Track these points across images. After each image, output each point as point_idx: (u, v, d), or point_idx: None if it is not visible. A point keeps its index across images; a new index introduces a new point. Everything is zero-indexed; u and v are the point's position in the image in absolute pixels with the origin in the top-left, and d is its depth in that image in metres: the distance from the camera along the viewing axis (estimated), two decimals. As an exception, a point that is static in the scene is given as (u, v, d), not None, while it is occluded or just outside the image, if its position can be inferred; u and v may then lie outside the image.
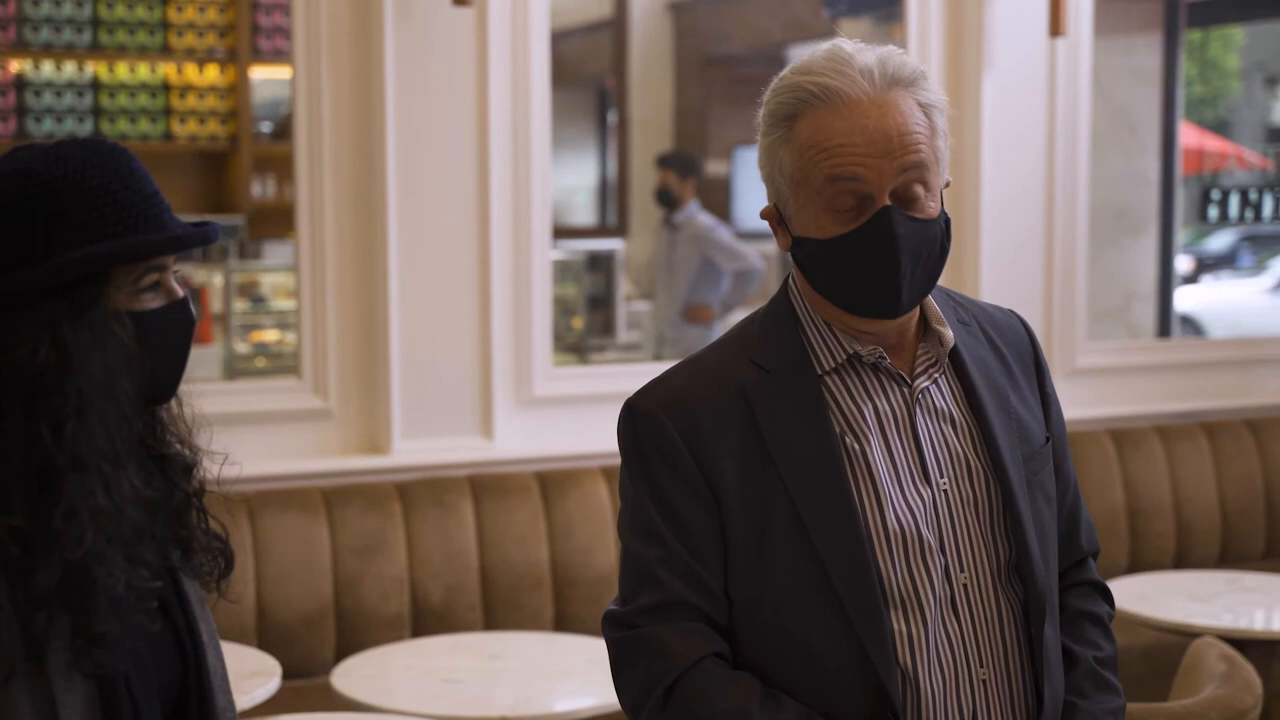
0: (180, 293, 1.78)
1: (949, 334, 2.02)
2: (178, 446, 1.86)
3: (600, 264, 8.49)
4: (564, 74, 10.89)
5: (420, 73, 4.87)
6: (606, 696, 3.73)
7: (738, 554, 1.95)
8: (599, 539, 4.87)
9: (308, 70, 4.82)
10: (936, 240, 1.93)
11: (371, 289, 4.89)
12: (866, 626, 1.90)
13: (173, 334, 1.77)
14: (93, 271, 1.69)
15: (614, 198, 10.28)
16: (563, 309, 8.29)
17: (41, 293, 1.67)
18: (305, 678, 4.37)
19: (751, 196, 9.65)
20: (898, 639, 1.92)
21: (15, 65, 8.31)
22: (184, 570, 1.85)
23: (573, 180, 10.56)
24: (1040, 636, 1.99)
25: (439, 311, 4.95)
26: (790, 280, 2.05)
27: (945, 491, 1.97)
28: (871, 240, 1.88)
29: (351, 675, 3.87)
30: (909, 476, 1.96)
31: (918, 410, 1.99)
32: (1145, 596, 4.59)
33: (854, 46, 1.93)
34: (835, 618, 1.91)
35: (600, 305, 8.53)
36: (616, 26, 10.17)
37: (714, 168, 10.08)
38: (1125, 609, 4.47)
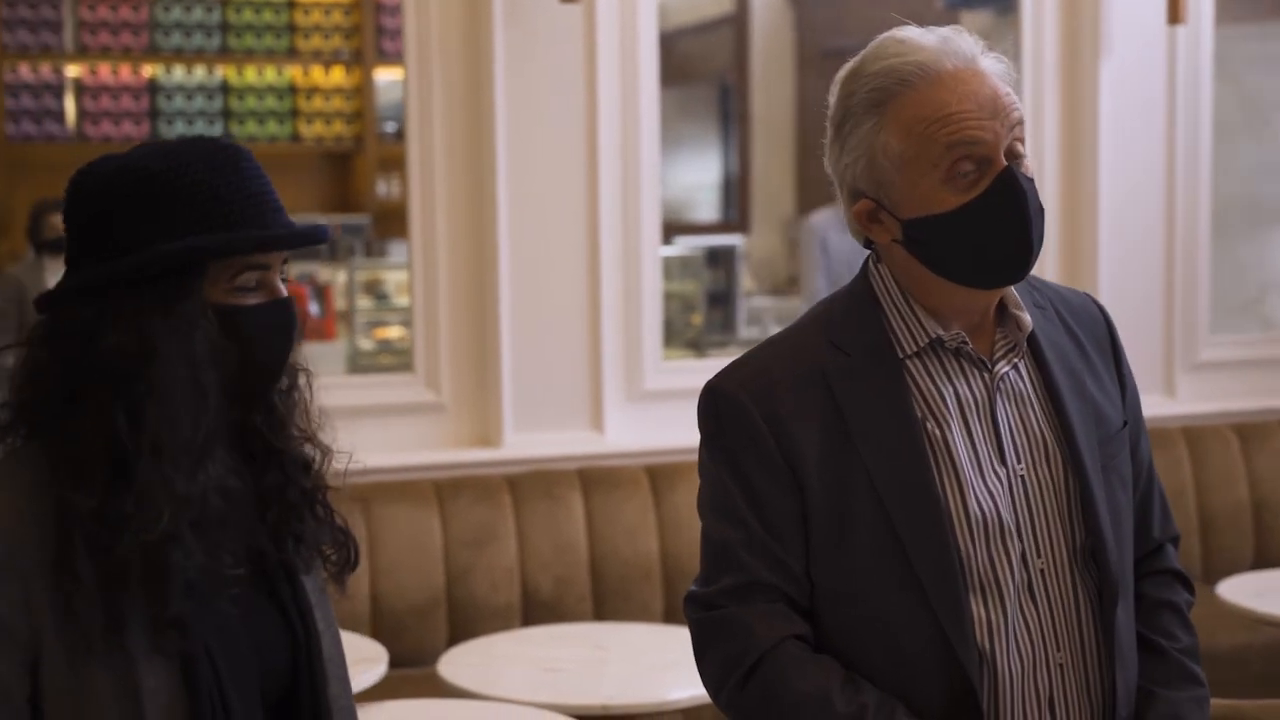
0: (283, 293, 1.80)
1: (1027, 318, 2.02)
2: (299, 443, 1.89)
3: (720, 260, 8.49)
4: (686, 71, 10.93)
5: (530, 71, 4.92)
6: (697, 690, 3.75)
7: (818, 536, 1.95)
8: (709, 532, 4.88)
9: (419, 71, 4.91)
10: (1039, 199, 1.95)
11: (483, 284, 4.96)
12: (946, 610, 1.90)
13: (268, 332, 1.79)
14: (184, 265, 1.72)
15: (737, 194, 10.29)
16: (683, 305, 8.30)
17: (132, 282, 1.72)
18: (416, 666, 4.44)
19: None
20: (977, 623, 1.92)
21: (148, 70, 8.52)
22: (299, 563, 1.88)
23: (696, 177, 10.58)
24: (1113, 622, 1.99)
25: (549, 306, 5.00)
26: (870, 263, 2.05)
27: (1023, 477, 1.97)
28: (1001, 200, 1.89)
29: (457, 663, 3.93)
30: (988, 461, 1.96)
31: (998, 395, 1.99)
32: (1262, 593, 4.52)
33: (917, 30, 1.95)
34: (915, 601, 1.91)
35: (720, 301, 8.53)
36: (737, 22, 10.18)
37: (837, 163, 10.03)
38: (1245, 605, 4.41)
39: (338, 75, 8.77)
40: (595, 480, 4.89)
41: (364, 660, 3.82)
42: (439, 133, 4.91)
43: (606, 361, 5.06)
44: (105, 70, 8.39)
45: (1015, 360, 2.01)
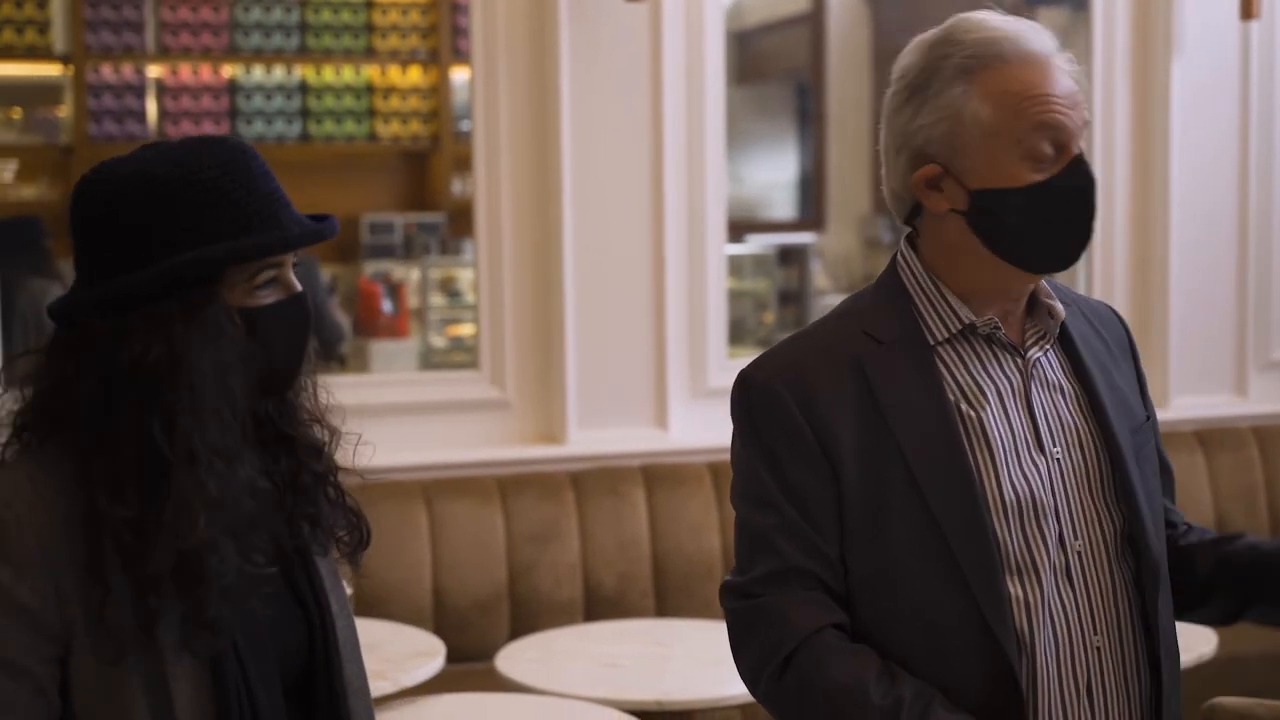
0: (297, 287, 1.81)
1: (1059, 307, 2.04)
2: (309, 427, 1.91)
3: (793, 258, 8.48)
4: (762, 69, 10.93)
5: (595, 70, 4.95)
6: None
7: (855, 522, 1.96)
8: (772, 530, 4.88)
9: (485, 69, 4.95)
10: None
11: (548, 281, 4.99)
12: (984, 592, 1.92)
13: (288, 328, 1.81)
14: (205, 274, 1.73)
15: (812, 192, 10.27)
16: (755, 303, 8.30)
17: (155, 294, 1.72)
18: (478, 661, 4.47)
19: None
20: (1014, 605, 1.93)
21: (228, 70, 8.62)
22: (313, 546, 1.90)
23: (771, 175, 10.57)
24: (1155, 604, 2.00)
25: (614, 304, 5.03)
26: (899, 256, 2.07)
27: (1059, 460, 1.99)
28: (1071, 185, 1.93)
29: (516, 658, 3.96)
30: (1025, 444, 1.98)
31: (1032, 381, 2.01)
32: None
33: (1001, 16, 1.98)
34: (953, 584, 1.92)
35: (793, 299, 8.52)
36: (813, 20, 10.16)
37: (913, 161, 9.98)
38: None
39: (414, 74, 8.83)
40: (659, 477, 4.91)
41: (422, 654, 3.86)
42: (505, 131, 4.95)
43: (671, 358, 5.08)
44: (186, 71, 8.49)
45: (1046, 348, 2.04)
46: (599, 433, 5.00)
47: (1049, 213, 1.93)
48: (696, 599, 4.83)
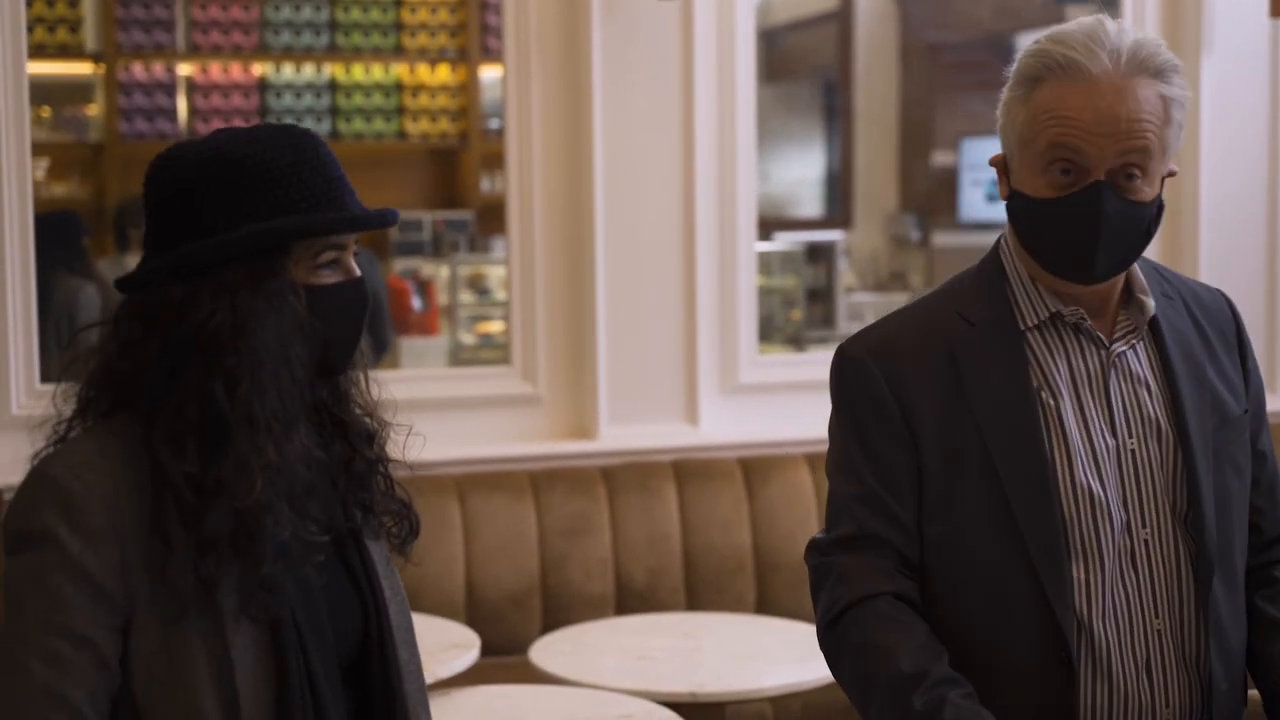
0: (357, 272, 1.88)
1: (1150, 303, 2.11)
2: (361, 415, 1.97)
3: (820, 255, 8.50)
4: (789, 67, 10.94)
5: (627, 68, 4.98)
6: (795, 677, 3.79)
7: (931, 494, 2.06)
8: (802, 525, 4.92)
9: (517, 66, 4.98)
10: (1143, 223, 2.01)
11: (579, 277, 5.02)
12: (1048, 572, 2.00)
13: (346, 309, 1.87)
14: (273, 244, 1.81)
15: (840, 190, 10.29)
16: (783, 300, 8.32)
17: (224, 261, 1.79)
18: (510, 655, 4.50)
19: (977, 189, 9.56)
20: (1076, 587, 2.01)
21: (258, 68, 8.66)
22: (366, 531, 1.96)
23: (799, 173, 10.58)
24: (1207, 592, 2.06)
25: (645, 300, 5.06)
26: (1002, 239, 2.16)
27: (1133, 450, 2.06)
28: (1077, 209, 1.98)
29: (549, 650, 3.99)
30: (1099, 433, 2.06)
31: (1112, 372, 2.08)
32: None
33: (1117, 27, 2.00)
34: (1018, 561, 2.02)
35: (820, 297, 8.53)
36: (841, 18, 10.16)
37: (940, 158, 10.01)
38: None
39: (443, 73, 8.87)
40: (689, 472, 4.94)
41: (456, 646, 3.90)
42: (537, 127, 4.98)
43: (701, 354, 5.10)
44: (216, 69, 8.54)
45: (1134, 342, 2.10)
46: (630, 428, 5.03)
47: (1056, 229, 2.01)
48: (727, 594, 4.85)
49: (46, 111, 8.47)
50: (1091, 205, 1.97)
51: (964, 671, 2.01)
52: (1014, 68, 2.05)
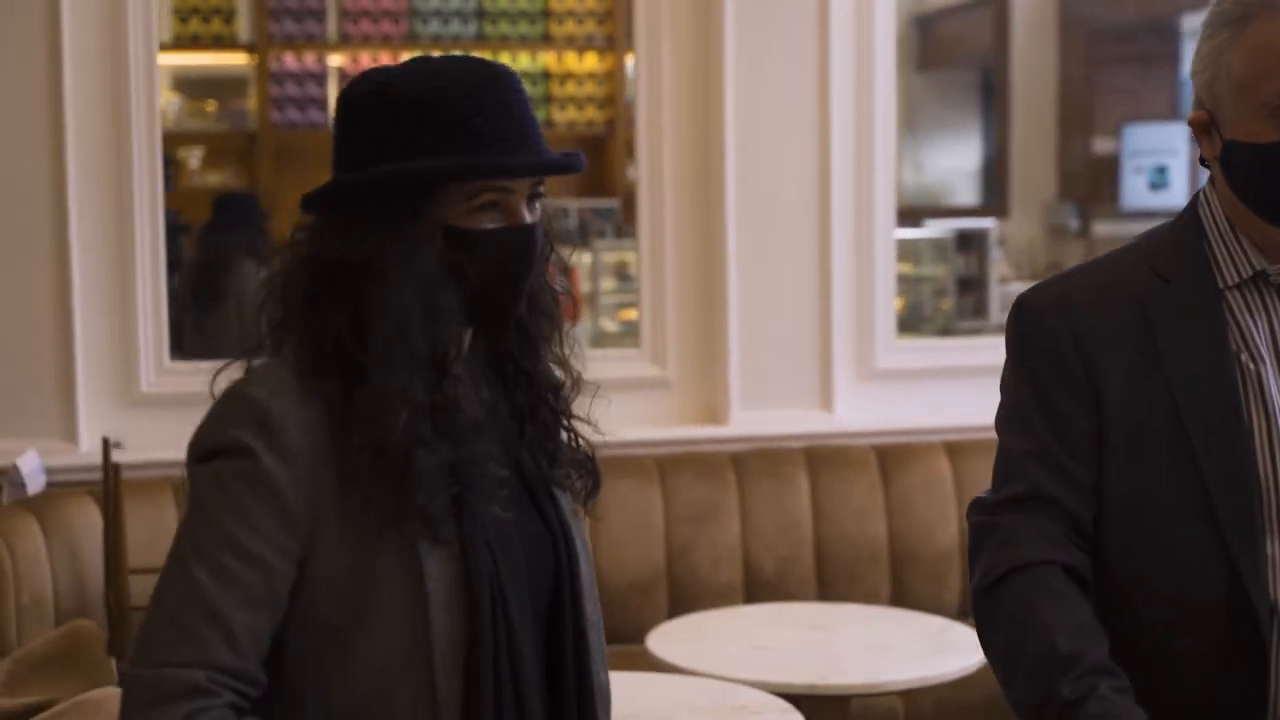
0: (525, 219, 1.79)
1: None
2: (547, 364, 1.92)
3: (972, 244, 8.28)
4: (946, 54, 10.72)
5: (761, 52, 4.88)
6: (918, 672, 3.66)
7: (1114, 457, 1.92)
8: (940, 516, 4.76)
9: (648, 54, 4.92)
10: None
11: (711, 261, 4.93)
12: (1243, 551, 1.84)
13: (498, 256, 1.78)
14: (414, 183, 1.74)
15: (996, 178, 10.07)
16: (933, 289, 8.13)
17: (365, 197, 1.75)
18: (633, 642, 4.41)
19: (1140, 176, 9.26)
20: (1272, 567, 1.85)
21: (406, 57, 8.69)
22: (553, 481, 1.91)
23: (955, 161, 10.39)
24: None
25: (778, 285, 4.95)
26: (1202, 193, 2.01)
27: None
28: None
29: (668, 638, 3.90)
30: None
31: None
32: None
33: None
34: (1211, 538, 1.86)
35: (972, 286, 8.32)
36: (997, 2, 9.93)
37: (1101, 145, 9.73)
38: None
39: (591, 60, 8.82)
40: (822, 459, 4.81)
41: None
42: (667, 111, 4.91)
43: (837, 340, 4.98)
44: (366, 58, 8.57)
45: None
46: (762, 413, 4.91)
47: None
48: (860, 585, 4.71)
49: (211, 105, 8.60)
50: None
51: (1133, 655, 1.86)
52: (1207, 18, 1.93)
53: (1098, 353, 1.93)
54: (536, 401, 1.89)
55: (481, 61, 1.79)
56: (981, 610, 1.95)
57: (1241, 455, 1.86)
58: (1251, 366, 1.90)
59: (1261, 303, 1.93)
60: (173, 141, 7.87)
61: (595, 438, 2.01)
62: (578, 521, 1.94)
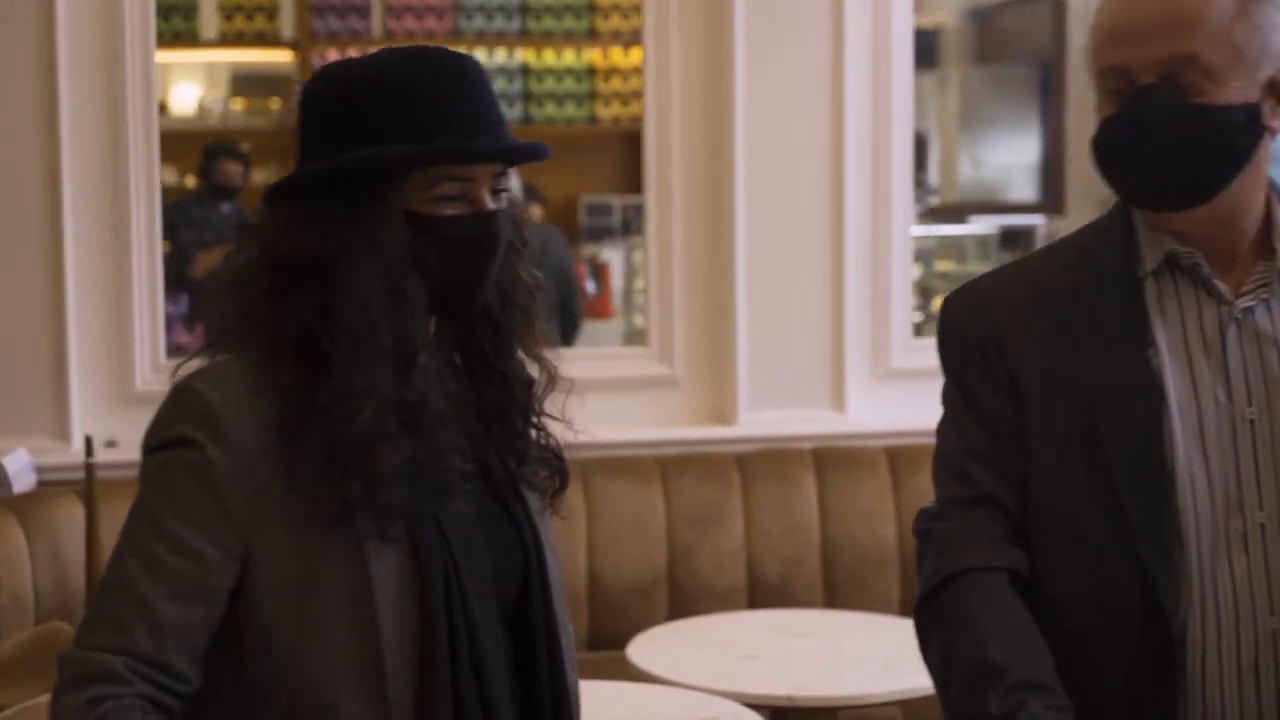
0: (489, 206, 1.78)
1: None
2: (520, 360, 1.91)
3: (1019, 241, 8.10)
4: (1003, 48, 10.52)
5: (772, 47, 4.78)
6: (914, 683, 3.52)
7: (1037, 452, 1.87)
8: (955, 519, 4.62)
9: (657, 50, 4.83)
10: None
11: (719, 258, 4.83)
12: (1151, 549, 1.78)
13: (461, 243, 1.77)
14: (375, 171, 1.73)
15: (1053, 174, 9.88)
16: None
17: (325, 185, 1.74)
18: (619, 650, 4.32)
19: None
20: (1181, 570, 1.78)
21: (450, 53, 8.66)
22: (520, 480, 1.90)
23: (1012, 158, 10.21)
24: None
25: (790, 282, 4.84)
26: None
27: (1252, 422, 1.81)
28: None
29: (654, 643, 3.81)
30: (1211, 401, 1.82)
31: (1232, 330, 1.83)
32: None
33: None
34: (1120, 534, 1.80)
35: (1018, 284, 8.15)
36: (1055, -4, 9.75)
37: (1160, 141, 9.51)
38: None
39: (636, 56, 8.74)
40: (831, 461, 4.69)
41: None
42: (677, 108, 4.83)
43: (850, 339, 4.87)
44: (408, 54, 8.57)
45: (1267, 297, 1.84)
46: (772, 413, 4.80)
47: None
48: (868, 590, 4.58)
49: (276, 103, 8.61)
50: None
51: (1057, 661, 1.78)
52: None
53: (1016, 349, 1.89)
54: (507, 400, 1.88)
55: (444, 51, 1.80)
56: (921, 618, 1.91)
57: (1150, 457, 1.79)
58: (1156, 361, 1.83)
59: (1174, 291, 1.86)
60: (220, 140, 7.90)
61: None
62: (545, 521, 1.94)
